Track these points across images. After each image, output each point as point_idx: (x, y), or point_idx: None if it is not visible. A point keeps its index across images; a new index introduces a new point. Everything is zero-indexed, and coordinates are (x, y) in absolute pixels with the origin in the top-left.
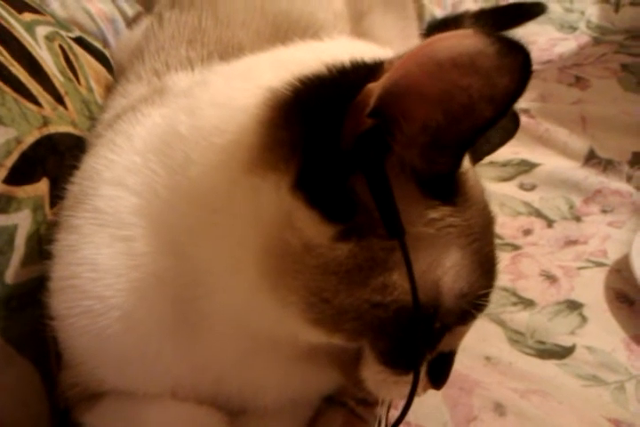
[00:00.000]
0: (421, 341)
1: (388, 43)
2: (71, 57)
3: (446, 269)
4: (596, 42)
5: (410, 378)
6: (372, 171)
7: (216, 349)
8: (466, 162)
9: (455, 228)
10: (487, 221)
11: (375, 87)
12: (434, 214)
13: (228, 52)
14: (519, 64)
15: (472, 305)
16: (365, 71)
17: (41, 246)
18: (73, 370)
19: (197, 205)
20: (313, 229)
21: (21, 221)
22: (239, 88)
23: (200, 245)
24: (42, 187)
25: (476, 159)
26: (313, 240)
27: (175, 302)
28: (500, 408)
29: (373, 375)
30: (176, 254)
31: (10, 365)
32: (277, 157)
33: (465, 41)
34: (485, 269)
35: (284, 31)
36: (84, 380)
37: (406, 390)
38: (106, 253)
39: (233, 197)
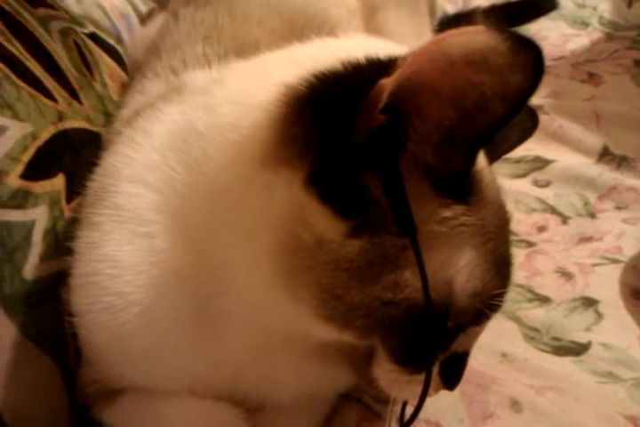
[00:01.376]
0: (433, 340)
1: (401, 39)
2: (85, 52)
3: (459, 269)
4: (609, 38)
5: (422, 377)
6: (384, 167)
7: (233, 345)
8: (482, 161)
9: (469, 227)
10: (502, 221)
11: (387, 83)
12: (447, 213)
13: (245, 49)
14: (532, 61)
15: (486, 305)
16: (379, 67)
17: (58, 242)
18: (93, 366)
19: (213, 202)
20: (325, 224)
21: (39, 217)
22: (255, 85)
23: (216, 242)
24: (58, 182)
25: (494, 158)
26: (325, 236)
27: (194, 298)
28: (516, 405)
29: (385, 374)
30: (195, 251)
31: (29, 360)
32: (291, 152)
33: (477, 37)
34: (500, 269)
35: (299, 28)
36: (103, 376)
37: (418, 389)
38: (126, 250)
39: (247, 192)
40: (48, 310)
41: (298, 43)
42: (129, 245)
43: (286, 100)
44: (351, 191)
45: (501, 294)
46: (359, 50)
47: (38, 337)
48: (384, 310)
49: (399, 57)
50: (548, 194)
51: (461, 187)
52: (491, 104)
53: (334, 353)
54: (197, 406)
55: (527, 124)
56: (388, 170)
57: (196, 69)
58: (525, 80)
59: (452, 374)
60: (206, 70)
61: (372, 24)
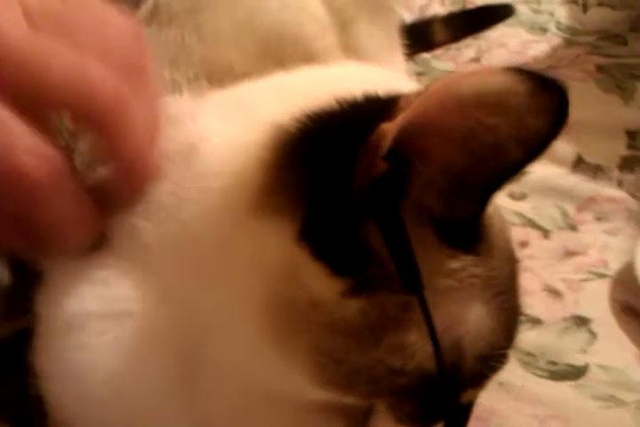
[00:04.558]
0: (444, 403)
1: (375, 52)
2: None
3: (469, 327)
4: (568, 43)
5: None
6: (386, 218)
7: (219, 404)
8: (491, 206)
9: (478, 279)
10: (512, 271)
11: (390, 127)
12: (454, 264)
13: (217, 72)
14: (554, 104)
15: (487, 367)
16: (380, 108)
17: (22, 300)
18: None
19: (192, 252)
20: (320, 283)
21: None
22: (239, 123)
23: (197, 295)
24: None
25: None
26: (319, 295)
27: (175, 358)
28: None
29: None
30: (170, 302)
31: None
32: (282, 201)
33: (492, 78)
34: (508, 326)
35: (272, 48)
36: None
37: None
38: (85, 305)
39: (232, 242)
40: (11, 373)
41: (280, 69)
42: (86, 295)
43: (276, 142)
44: (349, 246)
45: (505, 355)
46: (353, 82)
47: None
48: (391, 378)
49: (402, 96)
50: (525, 207)
51: (470, 235)
52: (506, 148)
53: (330, 409)
54: None
55: None
56: (389, 220)
57: (165, 96)
58: (546, 124)
59: (457, 425)
60: (177, 97)
61: (345, 39)
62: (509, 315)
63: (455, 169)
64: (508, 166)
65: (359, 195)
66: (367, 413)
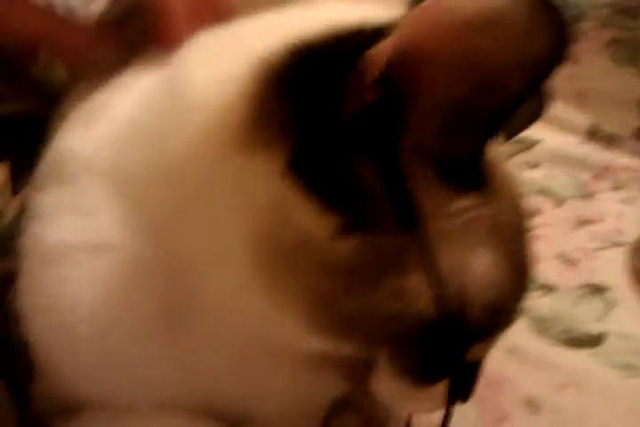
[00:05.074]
0: (449, 357)
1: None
2: None
3: (474, 274)
4: (582, 17)
5: (430, 392)
6: (380, 152)
7: (209, 352)
8: (498, 155)
9: (483, 223)
10: (521, 218)
11: (380, 53)
12: (457, 206)
13: None
14: (554, 27)
15: (498, 320)
16: (373, 35)
17: (4, 240)
18: (46, 380)
19: (175, 189)
20: (310, 220)
21: None
22: (226, 58)
23: (181, 232)
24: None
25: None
26: (309, 234)
27: (159, 297)
28: (532, 405)
29: (387, 388)
30: (156, 239)
31: None
32: (268, 134)
33: (487, 1)
34: (516, 277)
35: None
36: (58, 391)
37: (426, 404)
38: (63, 236)
39: (216, 179)
40: None
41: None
42: (69, 229)
43: (261, 74)
44: (340, 180)
45: (514, 309)
46: (346, 16)
47: None
48: (390, 325)
49: (396, 21)
50: (538, 175)
51: (473, 175)
52: (504, 74)
53: (330, 363)
54: (170, 424)
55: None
56: (384, 154)
57: None
58: (545, 47)
59: (464, 385)
60: None
61: None
62: (518, 265)
63: (453, 100)
64: (509, 95)
65: (348, 124)
66: (369, 369)
